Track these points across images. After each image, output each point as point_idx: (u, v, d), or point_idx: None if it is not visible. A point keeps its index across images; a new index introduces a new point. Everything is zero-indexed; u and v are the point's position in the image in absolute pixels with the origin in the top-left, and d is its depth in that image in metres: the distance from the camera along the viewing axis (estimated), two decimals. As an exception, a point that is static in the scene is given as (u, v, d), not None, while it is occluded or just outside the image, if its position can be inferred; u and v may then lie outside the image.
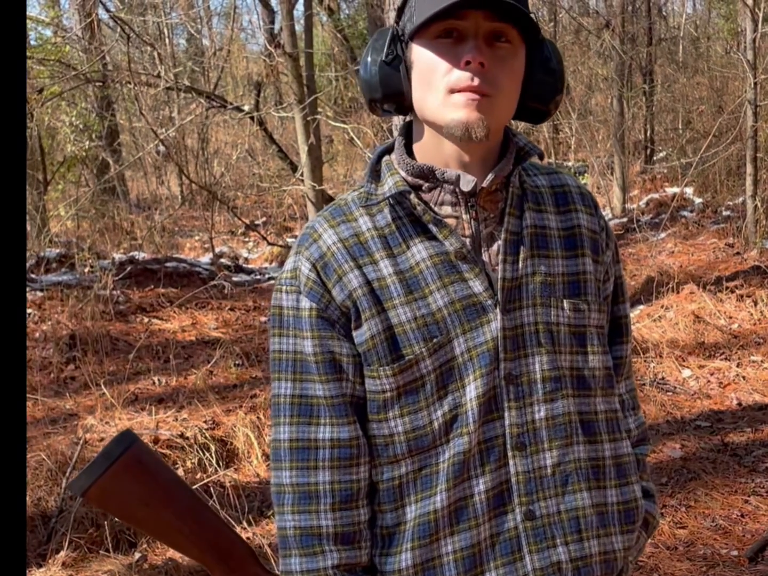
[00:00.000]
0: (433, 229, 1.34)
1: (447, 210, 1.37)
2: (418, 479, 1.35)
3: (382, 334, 1.32)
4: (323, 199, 8.33)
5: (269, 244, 10.60)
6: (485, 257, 1.37)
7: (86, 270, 8.83)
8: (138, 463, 1.29)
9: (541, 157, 1.43)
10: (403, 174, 1.39)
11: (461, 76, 1.26)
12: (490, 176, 1.35)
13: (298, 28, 8.65)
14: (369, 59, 1.37)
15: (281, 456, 1.38)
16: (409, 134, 1.44)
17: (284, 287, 1.38)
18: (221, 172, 12.97)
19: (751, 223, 8.51)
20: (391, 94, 1.37)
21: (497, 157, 1.39)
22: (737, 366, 5.89)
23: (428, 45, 1.30)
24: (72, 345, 6.86)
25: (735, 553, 3.72)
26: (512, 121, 1.44)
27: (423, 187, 1.38)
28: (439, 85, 1.29)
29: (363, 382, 1.36)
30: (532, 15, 1.29)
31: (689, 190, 11.59)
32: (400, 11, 1.38)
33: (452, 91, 1.28)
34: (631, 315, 6.83)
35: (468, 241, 1.36)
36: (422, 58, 1.31)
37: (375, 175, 1.42)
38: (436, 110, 1.31)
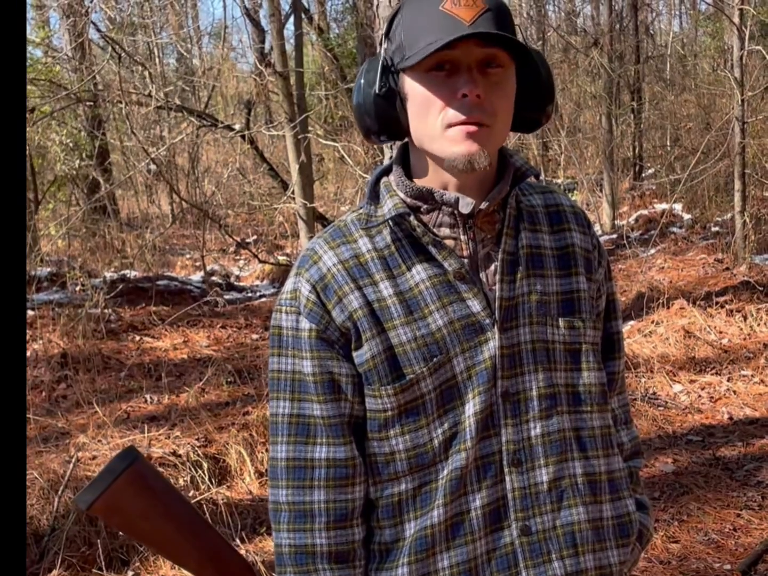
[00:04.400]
0: (432, 250, 1.36)
1: (445, 231, 1.39)
2: (417, 496, 1.37)
3: (382, 354, 1.34)
4: (314, 217, 8.35)
5: (260, 261, 10.59)
6: (483, 277, 1.38)
7: (77, 289, 8.81)
8: (140, 478, 1.31)
9: (537, 178, 1.46)
10: (402, 196, 1.40)
11: (459, 111, 1.28)
12: (488, 199, 1.37)
13: (289, 47, 8.69)
14: (362, 90, 1.38)
15: (278, 474, 1.39)
16: (406, 155, 1.45)
17: (284, 308, 1.39)
18: (212, 190, 12.97)
19: (740, 238, 8.55)
20: (387, 125, 1.38)
21: (494, 178, 1.41)
22: (728, 381, 5.91)
23: (421, 79, 1.31)
24: (64, 364, 6.84)
25: (728, 567, 3.72)
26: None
27: (422, 209, 1.39)
28: (436, 121, 1.30)
29: (362, 402, 1.38)
30: (518, 28, 1.32)
31: (678, 207, 11.64)
32: (387, 37, 1.37)
33: (450, 125, 1.29)
34: (622, 330, 6.86)
35: (466, 261, 1.38)
36: (416, 92, 1.32)
37: (374, 196, 1.43)
38: (435, 144, 1.32)
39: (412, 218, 1.36)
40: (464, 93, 1.27)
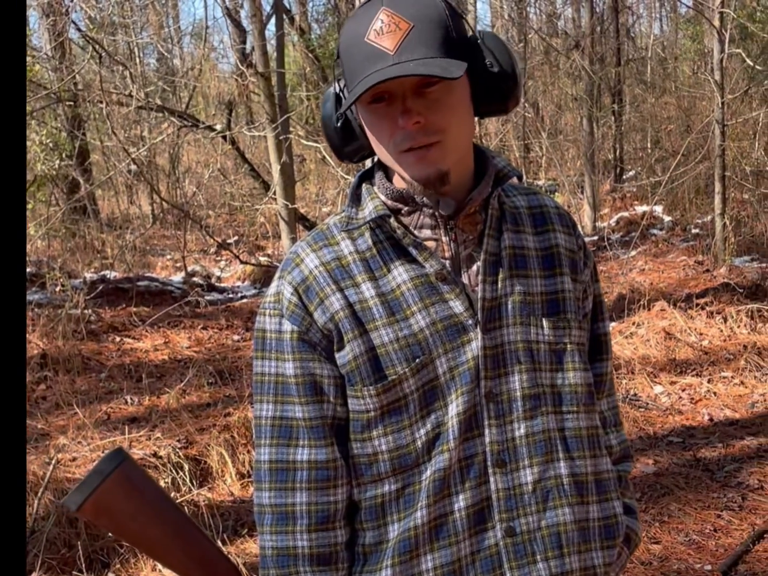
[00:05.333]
0: (413, 251, 1.36)
1: (426, 233, 1.39)
2: (401, 497, 1.37)
3: (365, 355, 1.34)
4: (296, 218, 8.33)
5: (242, 262, 10.56)
6: (465, 278, 1.39)
7: (57, 289, 8.76)
8: (129, 479, 1.32)
9: (520, 179, 1.45)
10: (383, 198, 1.41)
11: (405, 138, 1.29)
12: (468, 200, 1.37)
13: (270, 47, 8.66)
14: (325, 123, 1.43)
15: (261, 477, 1.39)
16: None
17: (267, 311, 1.40)
18: (193, 191, 12.93)
19: (720, 240, 8.60)
20: (355, 150, 1.44)
21: (473, 178, 1.41)
22: (708, 382, 5.94)
23: (366, 110, 1.32)
24: (43, 365, 6.80)
25: (708, 567, 3.74)
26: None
27: (402, 211, 1.40)
28: (389, 149, 1.32)
29: (345, 404, 1.38)
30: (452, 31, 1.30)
31: (658, 209, 11.71)
32: (338, 61, 1.38)
33: (401, 152, 1.30)
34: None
35: (448, 262, 1.38)
36: (366, 123, 1.35)
37: (356, 199, 1.44)
38: (394, 167, 1.35)
39: (392, 220, 1.37)
40: (402, 125, 1.28)
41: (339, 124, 1.40)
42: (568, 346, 1.43)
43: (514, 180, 1.45)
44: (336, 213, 1.48)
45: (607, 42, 14.21)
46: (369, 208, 1.39)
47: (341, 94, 1.40)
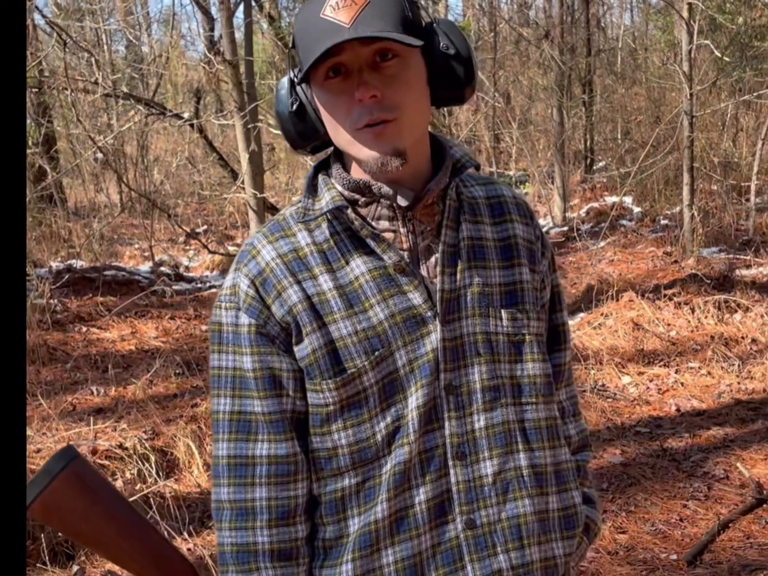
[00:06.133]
0: (371, 243, 1.35)
1: (384, 224, 1.38)
2: (361, 491, 1.35)
3: (323, 348, 1.32)
4: (265, 208, 8.28)
5: (210, 252, 10.50)
6: (423, 270, 1.38)
7: (22, 279, 8.65)
8: (79, 478, 1.29)
9: (478, 169, 1.44)
10: (340, 188, 1.39)
11: (360, 114, 1.27)
12: (426, 191, 1.36)
13: (238, 35, 8.57)
14: (279, 110, 1.40)
15: (220, 472, 1.37)
16: None
17: (223, 304, 1.38)
18: (161, 179, 12.84)
19: (688, 231, 8.65)
20: (309, 137, 1.41)
21: (431, 168, 1.40)
22: (675, 372, 5.98)
23: (321, 88, 1.31)
24: (7, 355, 6.72)
25: (674, 557, 3.76)
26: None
27: (360, 202, 1.38)
28: (344, 126, 1.30)
29: (304, 397, 1.36)
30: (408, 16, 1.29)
31: (628, 200, 11.76)
32: (293, 48, 1.37)
33: (359, 129, 1.28)
34: (572, 323, 6.91)
35: (406, 254, 1.37)
36: (321, 101, 1.33)
37: (312, 189, 1.42)
38: (350, 148, 1.33)
39: (349, 211, 1.35)
40: (359, 98, 1.26)
41: (294, 109, 1.38)
42: (527, 337, 1.42)
43: (472, 170, 1.43)
44: (292, 203, 1.46)
45: (578, 32, 14.24)
46: (326, 199, 1.37)
47: (295, 78, 1.38)
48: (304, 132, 1.40)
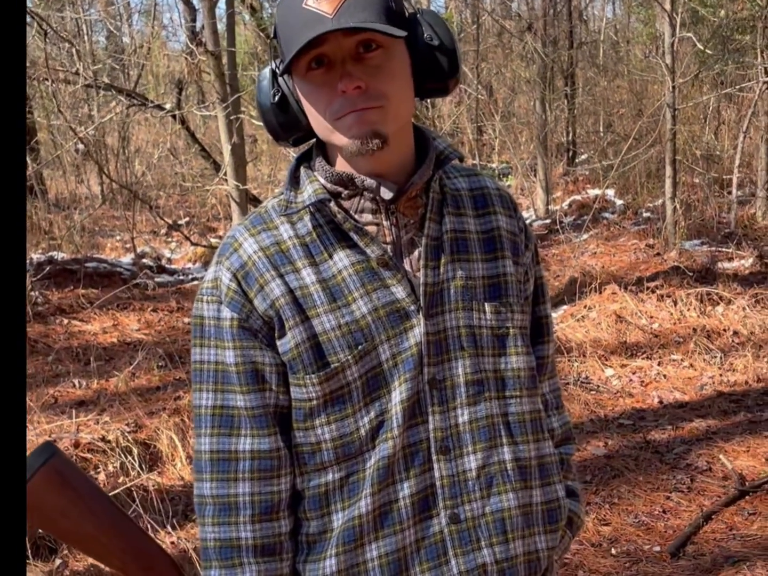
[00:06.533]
0: (354, 236, 1.34)
1: (367, 217, 1.36)
2: (345, 486, 1.35)
3: (306, 342, 1.31)
4: (247, 199, 8.24)
5: (192, 244, 10.45)
6: (407, 263, 1.37)
7: (3, 271, 8.58)
8: (58, 474, 1.27)
9: (461, 161, 1.43)
10: (323, 181, 1.37)
11: (343, 105, 1.26)
12: (410, 184, 1.35)
13: (220, 26, 8.52)
14: (260, 102, 1.38)
15: (202, 468, 1.36)
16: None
17: (205, 297, 1.36)
18: (143, 171, 12.76)
19: (671, 224, 8.68)
20: (291, 128, 1.39)
21: (414, 161, 1.39)
22: (658, 365, 6.00)
23: (303, 79, 1.29)
24: (-12, 348, 6.67)
25: (657, 548, 3.77)
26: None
27: (343, 195, 1.37)
28: (326, 116, 1.29)
29: (287, 392, 1.35)
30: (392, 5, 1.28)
31: (610, 192, 11.78)
32: (275, 39, 1.36)
33: (339, 118, 1.27)
34: (555, 315, 6.92)
35: (389, 247, 1.36)
36: (303, 93, 1.32)
37: (294, 182, 1.40)
38: (331, 137, 1.31)
39: (332, 204, 1.34)
40: (342, 90, 1.25)
41: (276, 100, 1.36)
42: (511, 330, 1.42)
43: (455, 161, 1.42)
44: (274, 195, 1.44)
45: (560, 24, 14.24)
46: (308, 192, 1.36)
47: (277, 69, 1.37)
48: (286, 123, 1.38)
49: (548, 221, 11.42)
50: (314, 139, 1.42)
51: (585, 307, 7.06)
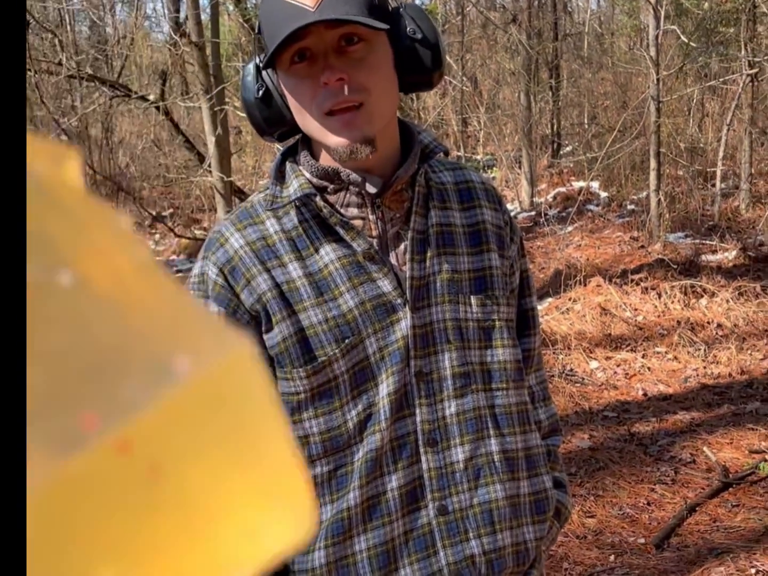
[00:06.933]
0: (340, 231, 1.34)
1: (353, 211, 1.37)
2: (333, 479, 1.35)
3: (293, 337, 1.32)
4: (232, 191, 8.21)
5: (177, 236, 10.41)
6: (393, 257, 1.38)
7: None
8: None
9: (446, 154, 1.45)
10: (308, 175, 1.38)
11: (326, 98, 1.26)
12: (395, 178, 1.36)
13: (204, 17, 8.48)
14: (245, 97, 1.39)
15: None
16: None
17: (192, 292, 1.37)
18: (126, 162, 12.70)
19: (655, 216, 8.69)
20: (276, 123, 1.40)
21: (399, 154, 1.40)
22: (642, 357, 6.01)
23: (287, 73, 1.30)
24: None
25: (642, 540, 3.79)
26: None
27: (328, 189, 1.37)
28: (312, 111, 1.29)
29: (274, 386, 1.33)
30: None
31: (595, 185, 11.79)
32: (258, 41, 1.37)
33: (327, 113, 1.28)
34: (540, 308, 6.92)
35: (375, 241, 1.37)
36: (287, 87, 1.32)
37: (280, 176, 1.41)
38: (318, 134, 1.32)
39: (318, 199, 1.34)
40: (325, 82, 1.26)
41: (260, 95, 1.37)
42: (497, 323, 1.43)
43: (440, 155, 1.44)
44: (259, 190, 1.45)
45: (545, 16, 14.23)
46: (294, 186, 1.36)
47: (260, 64, 1.37)
48: (270, 118, 1.39)
49: (533, 213, 11.42)
50: (299, 134, 1.42)
51: (570, 299, 7.08)
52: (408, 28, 1.34)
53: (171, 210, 12.90)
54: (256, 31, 1.36)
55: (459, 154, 12.26)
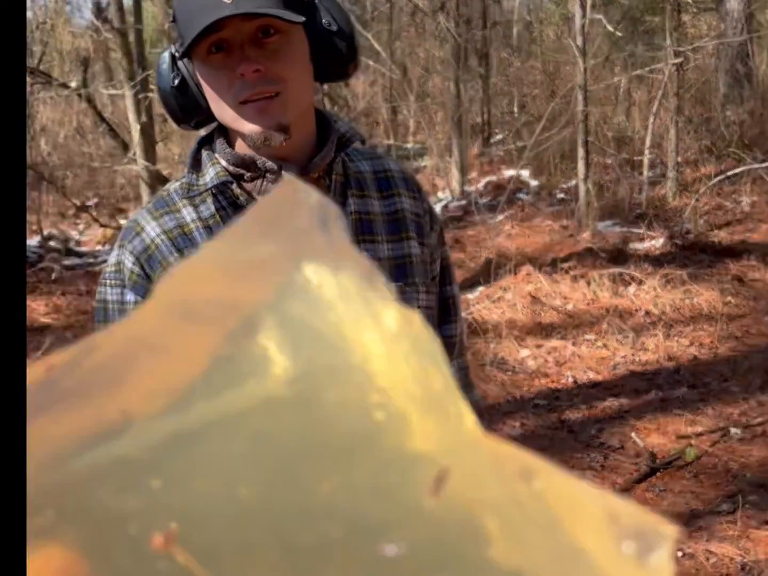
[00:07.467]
0: None
1: None
2: None
3: None
4: (157, 180, 8.06)
5: (101, 225, 10.23)
6: None
7: None
8: None
9: (364, 143, 1.45)
10: (224, 163, 1.37)
11: (242, 89, 1.26)
12: (311, 166, 1.36)
13: (127, 2, 8.32)
14: (161, 86, 1.38)
15: None
16: None
17: (108, 281, 1.36)
18: (48, 150, 12.41)
19: (584, 205, 8.76)
20: (192, 113, 1.41)
21: (316, 143, 1.39)
22: (572, 345, 6.04)
23: (204, 63, 1.31)
24: None
25: (573, 529, 3.79)
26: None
27: (245, 177, 1.37)
28: (227, 100, 1.29)
29: None
30: None
31: (525, 173, 11.84)
32: (174, 23, 1.35)
33: (242, 102, 1.28)
34: (471, 297, 6.93)
35: None
36: (203, 77, 1.33)
37: (196, 164, 1.40)
38: (233, 122, 1.32)
39: (234, 186, 1.34)
40: (241, 73, 1.25)
41: (176, 84, 1.36)
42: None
43: (358, 144, 1.44)
44: (176, 179, 1.44)
45: (473, 4, 14.24)
46: (210, 174, 1.36)
47: (176, 53, 1.36)
48: (186, 107, 1.39)
49: (464, 202, 11.42)
50: (215, 122, 1.41)
51: (501, 288, 7.08)
52: (323, 20, 1.36)
53: (96, 200, 12.65)
54: (171, 19, 1.35)
55: (389, 142, 12.23)
